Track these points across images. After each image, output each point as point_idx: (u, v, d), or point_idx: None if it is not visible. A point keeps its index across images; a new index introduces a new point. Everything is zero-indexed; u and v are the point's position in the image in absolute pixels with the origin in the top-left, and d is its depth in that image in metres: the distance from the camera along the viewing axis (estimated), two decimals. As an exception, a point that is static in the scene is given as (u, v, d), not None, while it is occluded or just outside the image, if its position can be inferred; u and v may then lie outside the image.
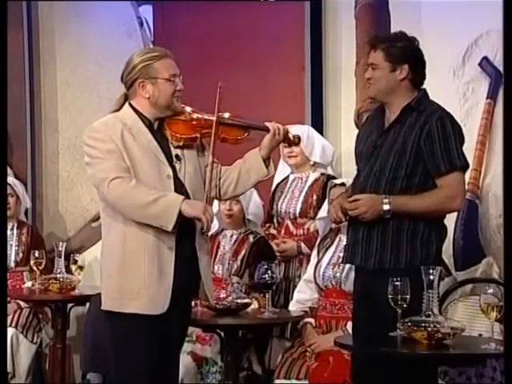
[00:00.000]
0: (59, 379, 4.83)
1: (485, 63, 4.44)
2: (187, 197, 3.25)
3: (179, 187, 3.25)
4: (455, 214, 4.24)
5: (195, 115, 3.33)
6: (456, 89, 4.45)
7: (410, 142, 3.23)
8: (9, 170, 5.66)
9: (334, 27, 5.03)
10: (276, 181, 4.75)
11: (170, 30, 5.73)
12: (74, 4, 5.73)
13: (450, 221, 4.24)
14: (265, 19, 5.35)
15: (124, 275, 3.20)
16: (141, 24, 5.80)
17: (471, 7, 4.36)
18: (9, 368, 4.90)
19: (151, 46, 5.78)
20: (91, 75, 5.72)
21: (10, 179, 5.42)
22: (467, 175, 4.32)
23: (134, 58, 3.30)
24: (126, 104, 3.32)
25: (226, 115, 3.35)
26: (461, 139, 3.27)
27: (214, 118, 3.29)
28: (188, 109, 3.35)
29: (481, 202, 4.37)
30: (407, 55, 3.29)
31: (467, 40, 4.42)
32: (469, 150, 4.27)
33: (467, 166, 3.27)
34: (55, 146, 5.76)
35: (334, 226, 4.16)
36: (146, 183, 3.21)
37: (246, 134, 3.35)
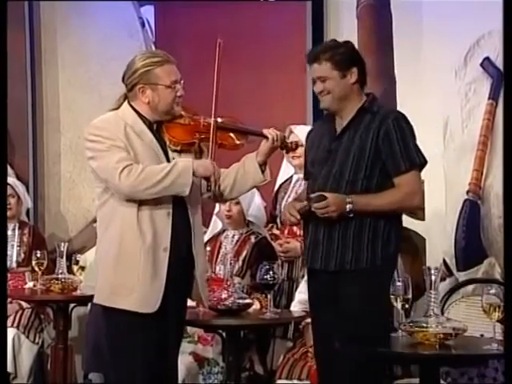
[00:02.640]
0: (61, 379, 4.82)
1: (487, 64, 4.43)
2: (183, 201, 3.28)
3: (177, 198, 3.26)
4: (457, 214, 4.24)
5: (194, 119, 3.33)
6: (458, 89, 4.44)
7: (368, 144, 3.26)
8: (10, 171, 5.67)
9: (335, 27, 5.02)
10: (279, 181, 4.75)
11: (171, 30, 5.73)
12: (76, 4, 5.73)
13: (452, 221, 4.25)
14: (267, 20, 5.35)
15: (119, 273, 3.22)
16: (142, 24, 5.80)
17: (473, 7, 4.35)
18: (11, 368, 4.90)
19: (153, 46, 5.78)
20: (93, 75, 5.72)
21: (11, 180, 5.41)
22: (469, 176, 4.34)
23: (135, 61, 3.30)
24: (126, 103, 3.33)
25: (223, 119, 3.33)
26: (415, 137, 3.32)
27: (212, 122, 3.28)
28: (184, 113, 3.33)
29: (483, 202, 4.37)
30: (352, 59, 3.33)
31: (469, 40, 4.41)
32: (470, 150, 4.29)
33: (425, 162, 3.32)
34: (57, 146, 5.77)
35: None
36: None
37: (243, 140, 3.35)
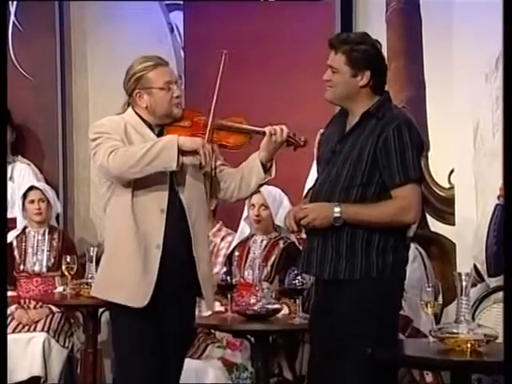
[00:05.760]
0: (91, 383, 4.85)
1: (518, 67, 4.39)
2: (179, 200, 3.27)
3: (173, 196, 3.27)
4: (488, 219, 4.20)
5: (194, 120, 3.30)
6: (489, 93, 4.40)
7: (367, 151, 3.09)
8: (40, 175, 5.71)
9: (364, 31, 5.00)
10: (308, 186, 4.73)
11: (200, 35, 5.73)
12: (105, 9, 5.76)
13: (483, 227, 4.21)
14: (295, 23, 5.34)
15: (112, 267, 3.31)
16: (171, 30, 5.82)
17: (504, 11, 4.31)
18: (41, 372, 4.94)
19: (181, 51, 5.80)
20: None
21: (41, 184, 5.45)
22: (500, 180, 4.30)
23: (132, 66, 3.36)
24: (130, 109, 3.38)
25: (223, 120, 3.29)
26: (418, 148, 3.12)
27: (209, 123, 3.24)
28: (185, 112, 3.31)
29: (514, 207, 4.32)
30: (369, 61, 3.10)
31: (500, 44, 4.37)
32: (502, 155, 4.25)
33: (422, 177, 3.20)
34: (86, 151, 5.78)
35: None
36: (147, 179, 3.23)
37: (246, 140, 3.28)
